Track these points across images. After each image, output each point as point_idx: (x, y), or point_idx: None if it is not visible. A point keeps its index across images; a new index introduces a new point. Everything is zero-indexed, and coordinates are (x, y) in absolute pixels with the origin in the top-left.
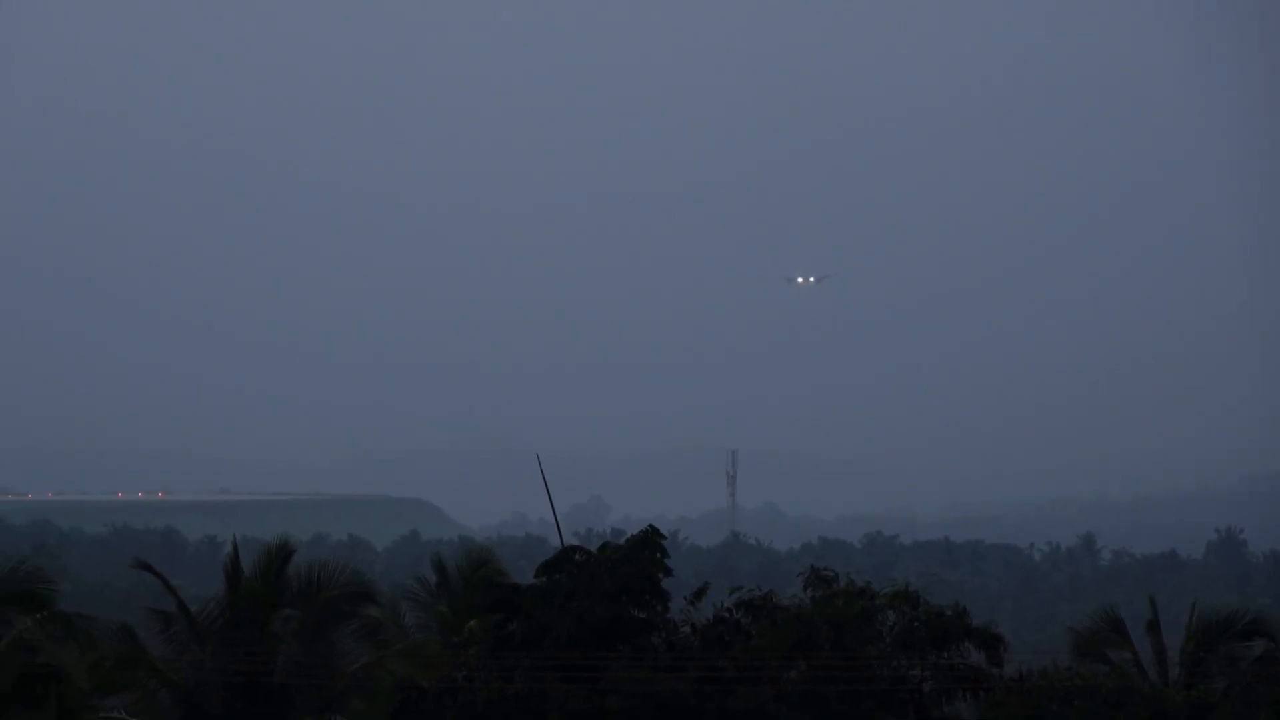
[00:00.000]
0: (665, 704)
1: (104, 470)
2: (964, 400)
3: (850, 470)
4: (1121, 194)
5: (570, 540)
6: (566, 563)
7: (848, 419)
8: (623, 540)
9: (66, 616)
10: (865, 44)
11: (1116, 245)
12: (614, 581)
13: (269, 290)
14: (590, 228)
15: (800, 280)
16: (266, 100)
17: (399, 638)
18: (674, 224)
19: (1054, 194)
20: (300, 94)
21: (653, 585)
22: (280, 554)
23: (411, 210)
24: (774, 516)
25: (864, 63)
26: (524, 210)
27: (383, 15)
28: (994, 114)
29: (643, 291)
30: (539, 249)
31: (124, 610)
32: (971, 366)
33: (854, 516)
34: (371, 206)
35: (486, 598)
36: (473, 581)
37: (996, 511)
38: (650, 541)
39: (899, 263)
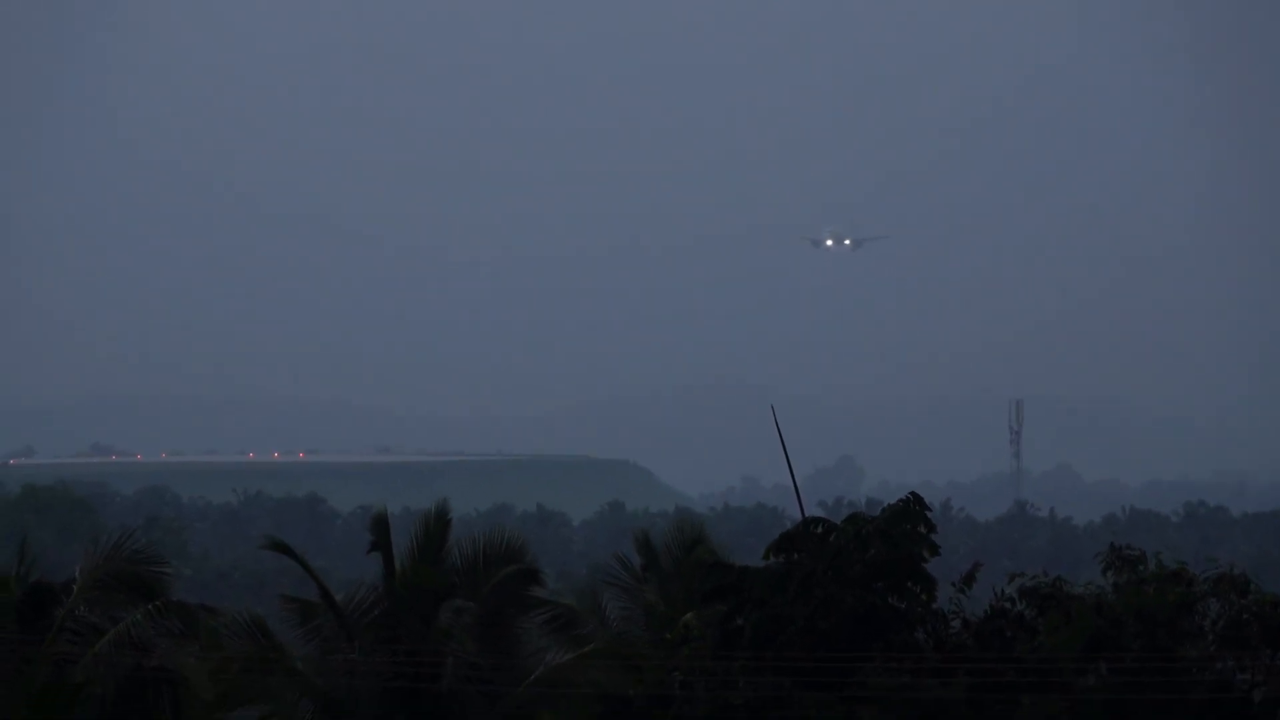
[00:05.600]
0: (931, 715)
1: (232, 425)
2: None
3: (1165, 426)
4: None
5: (812, 511)
6: (807, 539)
7: (1159, 363)
8: (878, 511)
9: (185, 607)
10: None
11: None
12: (867, 563)
13: (443, 218)
14: (835, 155)
15: (830, 243)
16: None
17: (599, 633)
18: (942, 154)
19: None
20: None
21: (915, 568)
22: (437, 525)
23: (606, 151)
24: (1068, 482)
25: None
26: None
27: None
28: None
29: (908, 210)
30: (786, 170)
31: (257, 599)
32: None
33: (1169, 483)
34: (565, 145)
35: (706, 583)
36: (688, 563)
37: None
38: (912, 513)
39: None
